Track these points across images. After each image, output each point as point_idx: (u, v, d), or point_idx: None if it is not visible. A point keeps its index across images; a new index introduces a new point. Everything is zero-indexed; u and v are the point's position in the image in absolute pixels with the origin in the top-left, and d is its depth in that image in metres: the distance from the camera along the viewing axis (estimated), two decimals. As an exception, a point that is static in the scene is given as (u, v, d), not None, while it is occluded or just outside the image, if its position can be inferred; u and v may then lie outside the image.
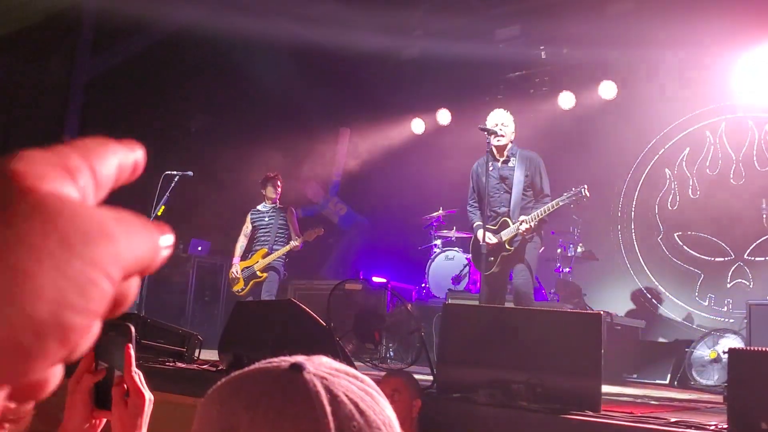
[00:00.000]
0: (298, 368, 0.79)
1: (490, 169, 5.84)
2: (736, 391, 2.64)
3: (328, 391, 0.77)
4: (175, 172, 7.07)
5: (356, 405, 0.78)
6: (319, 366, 0.81)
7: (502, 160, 5.84)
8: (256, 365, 0.84)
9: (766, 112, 8.56)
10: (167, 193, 6.96)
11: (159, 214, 6.89)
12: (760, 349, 2.67)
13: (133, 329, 1.24)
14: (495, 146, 5.79)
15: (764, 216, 7.50)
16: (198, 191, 8.67)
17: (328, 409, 0.75)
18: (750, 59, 8.34)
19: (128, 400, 1.19)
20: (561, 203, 5.54)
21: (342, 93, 10.85)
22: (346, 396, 0.78)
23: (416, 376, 3.46)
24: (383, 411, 0.80)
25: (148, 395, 1.21)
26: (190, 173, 7.17)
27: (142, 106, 9.34)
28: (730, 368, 2.69)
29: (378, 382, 2.92)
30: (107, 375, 1.21)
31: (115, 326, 1.21)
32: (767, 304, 6.13)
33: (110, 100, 9.39)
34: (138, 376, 1.22)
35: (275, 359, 0.83)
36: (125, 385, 1.20)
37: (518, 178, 5.73)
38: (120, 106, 9.36)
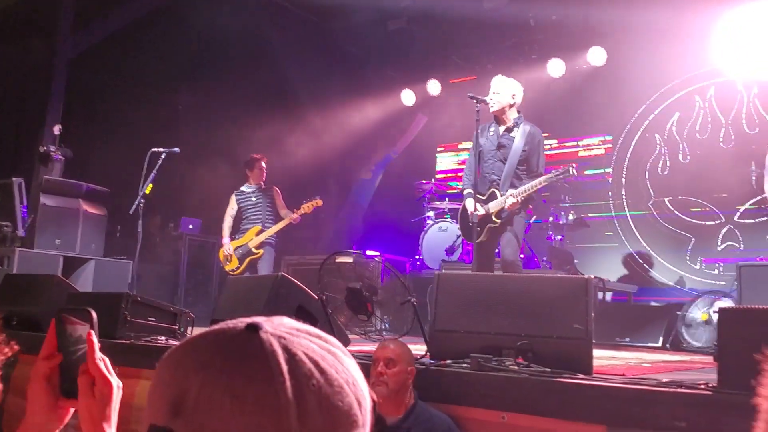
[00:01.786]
0: (254, 328, 0.76)
1: (491, 133, 5.80)
2: (726, 349, 2.64)
3: (286, 350, 0.74)
4: (161, 149, 7.00)
5: (316, 364, 0.75)
6: (278, 326, 0.78)
7: (504, 127, 5.78)
8: (213, 327, 0.80)
9: (754, 75, 8.54)
10: (154, 171, 6.89)
11: (147, 192, 6.84)
12: (749, 306, 2.67)
13: (94, 314, 1.16)
14: (491, 111, 5.76)
15: (753, 178, 7.51)
16: (187, 169, 8.63)
17: (285, 367, 0.72)
18: (739, 22, 8.29)
19: (95, 389, 1.13)
20: (548, 181, 5.50)
21: (330, 66, 10.75)
22: (306, 355, 0.75)
23: (410, 346, 3.46)
24: (347, 370, 0.78)
25: (116, 382, 1.15)
26: (177, 150, 7.10)
27: (127, 83, 9.24)
28: (720, 327, 2.70)
29: (373, 352, 2.91)
30: (70, 362, 1.15)
31: (74, 313, 1.16)
32: (757, 265, 6.16)
33: (95, 78, 9.28)
34: (104, 363, 1.15)
35: (232, 321, 0.79)
36: (91, 374, 1.14)
37: (515, 150, 5.67)
38: (105, 84, 9.26)
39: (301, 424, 0.71)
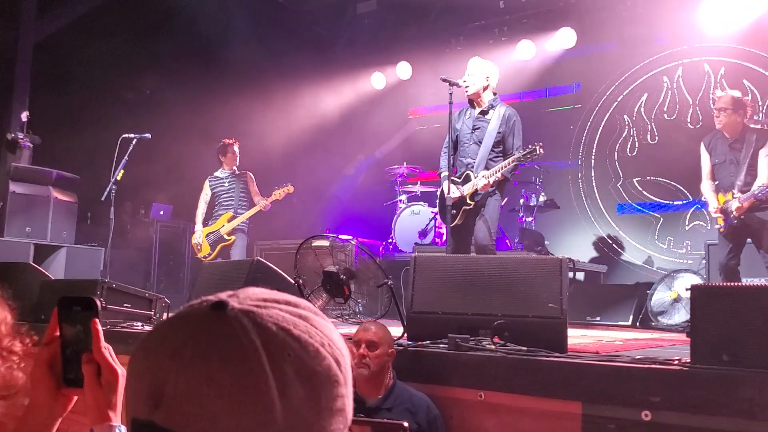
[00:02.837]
0: (220, 306, 0.75)
1: (467, 116, 5.81)
2: (699, 325, 2.71)
3: (256, 324, 0.73)
4: (132, 135, 6.93)
5: (289, 332, 0.74)
6: (245, 299, 0.77)
7: (479, 110, 5.78)
8: (179, 310, 0.79)
9: (721, 55, 8.67)
10: (126, 157, 6.82)
11: (119, 178, 6.77)
12: (720, 284, 2.74)
13: (98, 303, 1.15)
14: (466, 95, 5.77)
15: (720, 158, 7.63)
16: (158, 154, 8.52)
17: (258, 342, 0.72)
18: (707, 3, 8.39)
19: (101, 378, 1.13)
20: (516, 161, 5.51)
21: (299, 50, 10.68)
22: (277, 325, 0.74)
23: (388, 328, 3.50)
24: (320, 332, 0.78)
25: (121, 370, 1.14)
26: (148, 135, 7.03)
27: (94, 68, 9.08)
28: (692, 304, 2.75)
29: (352, 335, 2.92)
30: (72, 350, 1.14)
31: (79, 301, 1.15)
32: (725, 243, 6.27)
33: (61, 63, 9.10)
34: (108, 351, 1.15)
35: (197, 300, 0.78)
36: (96, 362, 1.13)
37: (490, 132, 5.67)
38: (72, 69, 9.09)
39: (282, 395, 0.71)
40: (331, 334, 0.79)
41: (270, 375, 0.71)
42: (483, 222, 5.63)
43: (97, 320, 1.15)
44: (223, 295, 0.77)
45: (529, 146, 5.48)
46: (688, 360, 2.70)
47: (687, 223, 8.68)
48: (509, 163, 5.50)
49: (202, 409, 0.71)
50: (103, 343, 1.14)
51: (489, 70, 5.78)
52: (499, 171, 5.50)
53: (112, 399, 1.13)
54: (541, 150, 5.43)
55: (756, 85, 8.40)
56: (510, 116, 5.70)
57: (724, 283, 2.71)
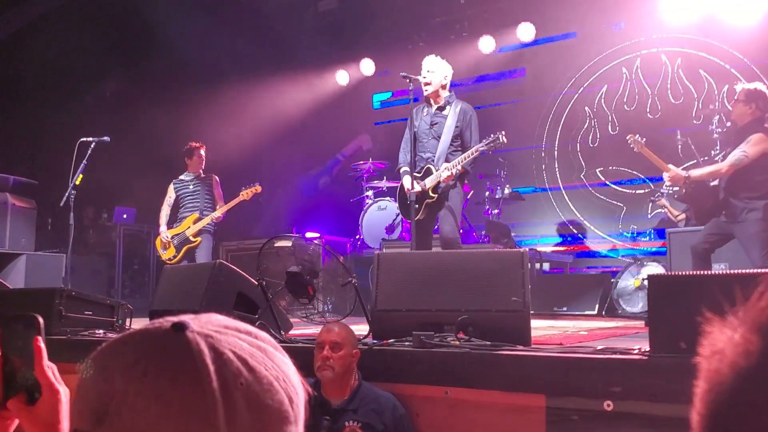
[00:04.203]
0: (180, 327, 0.74)
1: (424, 114, 5.85)
2: (656, 314, 2.74)
3: (213, 349, 0.73)
4: (90, 139, 6.81)
5: (244, 362, 0.74)
6: (206, 324, 0.76)
7: (436, 106, 5.82)
8: (138, 328, 0.79)
9: (677, 46, 8.79)
10: (84, 161, 6.71)
11: (77, 183, 6.65)
12: (677, 273, 2.77)
13: (41, 320, 1.11)
14: (426, 93, 5.79)
15: (679, 147, 7.76)
16: (119, 157, 8.40)
17: (212, 367, 0.71)
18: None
19: (42, 398, 1.09)
20: (479, 150, 5.53)
21: (261, 48, 10.59)
22: (233, 353, 0.74)
23: (354, 326, 3.48)
24: (277, 366, 0.77)
25: (64, 390, 1.11)
26: (107, 138, 6.92)
27: (51, 71, 8.91)
28: (650, 293, 2.79)
29: (316, 336, 2.89)
30: (13, 369, 1.10)
31: (20, 319, 1.11)
32: (685, 231, 6.37)
33: (15, 67, 8.92)
34: (51, 371, 1.11)
35: (158, 321, 0.78)
36: (39, 382, 1.09)
37: (449, 127, 5.72)
38: (27, 73, 8.91)
39: (229, 423, 0.70)
40: (287, 370, 0.78)
41: (219, 401, 0.70)
42: (447, 215, 5.65)
43: (40, 338, 1.11)
44: (185, 317, 0.77)
45: (492, 135, 5.50)
46: (647, 349, 2.72)
47: (650, 211, 8.80)
48: (472, 153, 5.53)
49: (147, 427, 0.69)
50: (46, 362, 1.11)
51: (447, 70, 5.87)
52: (461, 162, 5.53)
53: (56, 418, 1.10)
54: (504, 138, 5.45)
55: (712, 75, 8.53)
56: (466, 111, 5.78)
57: (680, 273, 2.74)
